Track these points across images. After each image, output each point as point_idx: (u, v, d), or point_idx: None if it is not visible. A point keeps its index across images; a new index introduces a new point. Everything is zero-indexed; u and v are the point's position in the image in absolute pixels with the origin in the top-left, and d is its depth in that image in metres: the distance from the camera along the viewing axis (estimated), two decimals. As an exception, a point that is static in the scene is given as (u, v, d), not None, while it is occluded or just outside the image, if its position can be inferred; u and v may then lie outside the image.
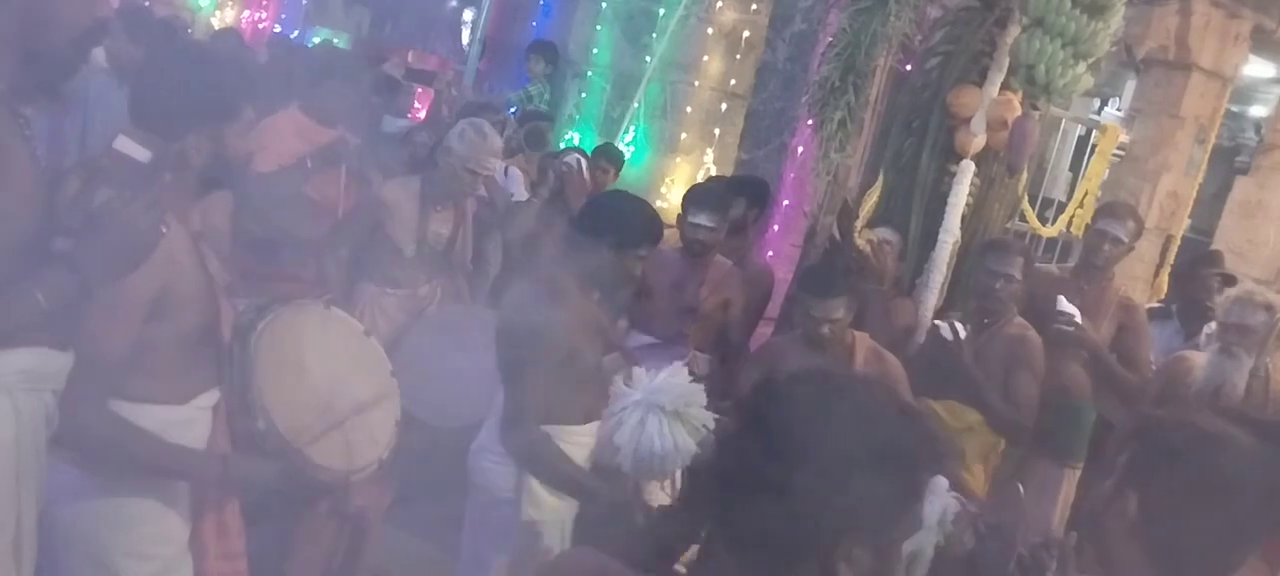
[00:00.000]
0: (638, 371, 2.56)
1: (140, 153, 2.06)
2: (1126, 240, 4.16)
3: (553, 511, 2.89)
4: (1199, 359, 3.75)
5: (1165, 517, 1.54)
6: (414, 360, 3.56)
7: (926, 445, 1.29)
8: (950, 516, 2.29)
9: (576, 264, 2.89)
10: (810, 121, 4.87)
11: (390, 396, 2.64)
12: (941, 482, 2.21)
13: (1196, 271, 5.02)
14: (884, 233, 4.24)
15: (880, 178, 4.41)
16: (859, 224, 4.18)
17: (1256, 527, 1.53)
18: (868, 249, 4.10)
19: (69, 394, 1.94)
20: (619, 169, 5.29)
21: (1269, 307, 3.57)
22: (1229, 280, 4.52)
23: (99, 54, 4.53)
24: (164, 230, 1.89)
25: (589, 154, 5.44)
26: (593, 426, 2.94)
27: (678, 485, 2.82)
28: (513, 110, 7.46)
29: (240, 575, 2.39)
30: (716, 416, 2.46)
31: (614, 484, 2.72)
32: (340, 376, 2.50)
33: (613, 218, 2.89)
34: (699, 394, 2.48)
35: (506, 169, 5.54)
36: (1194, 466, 1.53)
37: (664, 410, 2.43)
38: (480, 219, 4.71)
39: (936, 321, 3.88)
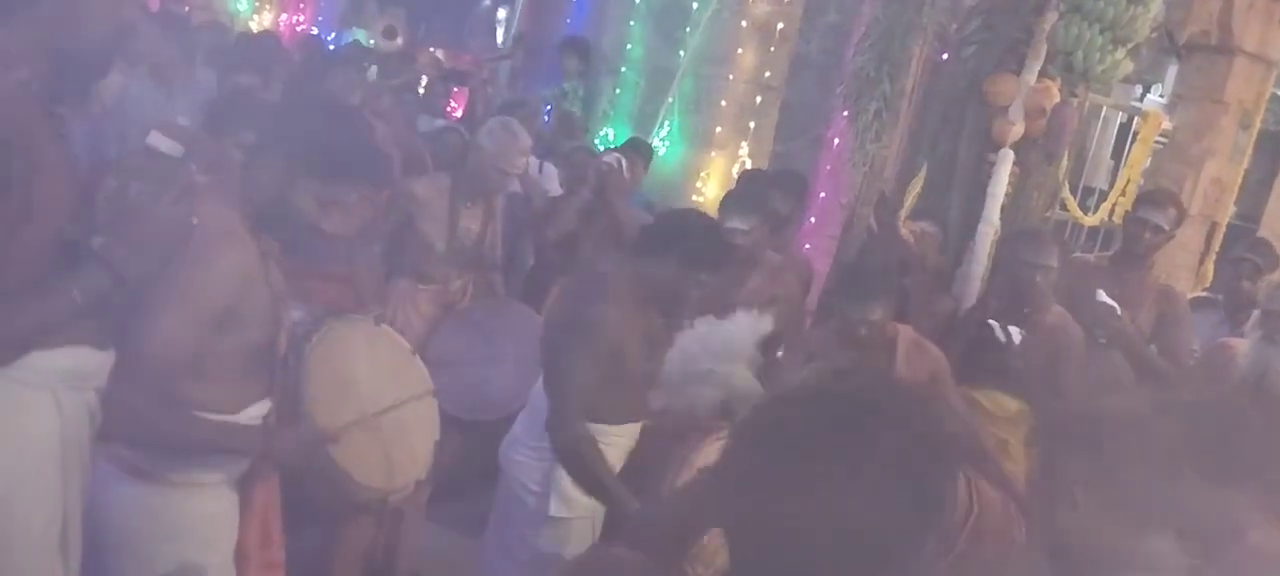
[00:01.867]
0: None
1: (173, 148, 2.09)
2: (1167, 227, 4.08)
3: (582, 510, 2.89)
4: (1241, 346, 3.68)
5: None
6: (446, 355, 3.59)
7: (942, 457, 1.16)
8: None
9: (636, 271, 2.87)
10: (846, 113, 4.85)
11: (431, 414, 2.68)
12: None
13: (1234, 258, 4.92)
14: (924, 225, 4.21)
15: (922, 168, 4.37)
16: (903, 213, 4.15)
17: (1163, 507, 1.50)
18: (911, 239, 4.07)
19: (121, 387, 1.95)
20: (648, 164, 5.25)
21: None
22: (1260, 268, 4.42)
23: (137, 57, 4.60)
24: (195, 221, 1.92)
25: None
26: (630, 427, 2.95)
27: None
28: (548, 107, 7.49)
29: None
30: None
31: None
32: (385, 392, 2.53)
33: (682, 238, 2.84)
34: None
35: (542, 165, 5.56)
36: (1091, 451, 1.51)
37: None
38: (515, 215, 4.73)
39: (991, 321, 3.83)
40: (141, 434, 2.07)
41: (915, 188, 4.33)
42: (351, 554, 3.67)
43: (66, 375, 1.86)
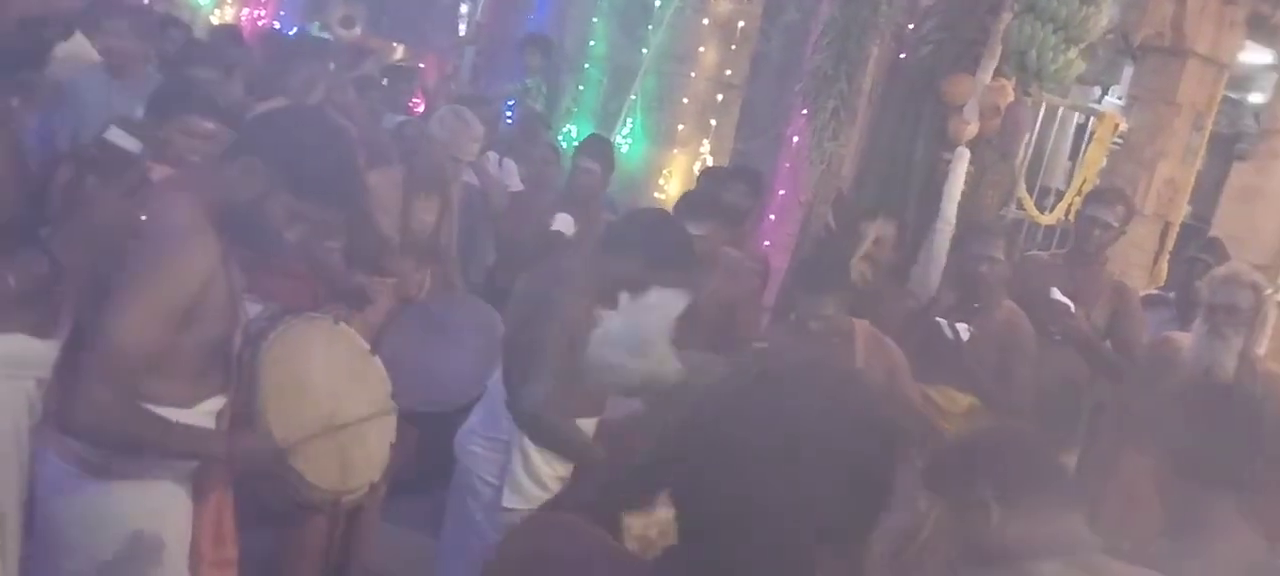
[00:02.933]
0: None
1: (130, 143, 2.07)
2: (1116, 225, 4.14)
3: (536, 501, 2.91)
4: (1184, 339, 3.75)
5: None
6: (402, 347, 3.57)
7: (889, 446, 1.18)
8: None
9: (598, 269, 2.87)
10: (804, 111, 4.88)
11: (388, 416, 2.66)
12: None
13: (1187, 257, 5.01)
14: (881, 225, 4.21)
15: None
16: (856, 257, 4.13)
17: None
18: (864, 274, 4.07)
19: (83, 382, 1.93)
20: (608, 166, 5.20)
21: (1255, 287, 3.56)
22: (1212, 266, 4.49)
23: (82, 46, 4.55)
24: (142, 218, 1.90)
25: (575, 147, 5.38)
26: (587, 423, 2.97)
27: None
28: (511, 103, 7.48)
29: None
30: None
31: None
32: (342, 393, 2.50)
33: (649, 237, 2.85)
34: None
35: (501, 160, 5.55)
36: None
37: None
38: (473, 208, 4.72)
39: (939, 320, 3.87)
40: (108, 434, 2.03)
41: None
42: (306, 552, 3.65)
43: (3, 362, 1.84)
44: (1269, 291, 3.60)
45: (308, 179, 2.07)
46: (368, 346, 2.77)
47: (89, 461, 2.10)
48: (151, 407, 2.08)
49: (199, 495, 2.27)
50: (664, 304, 2.35)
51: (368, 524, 3.75)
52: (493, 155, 5.38)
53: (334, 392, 2.49)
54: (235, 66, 4.81)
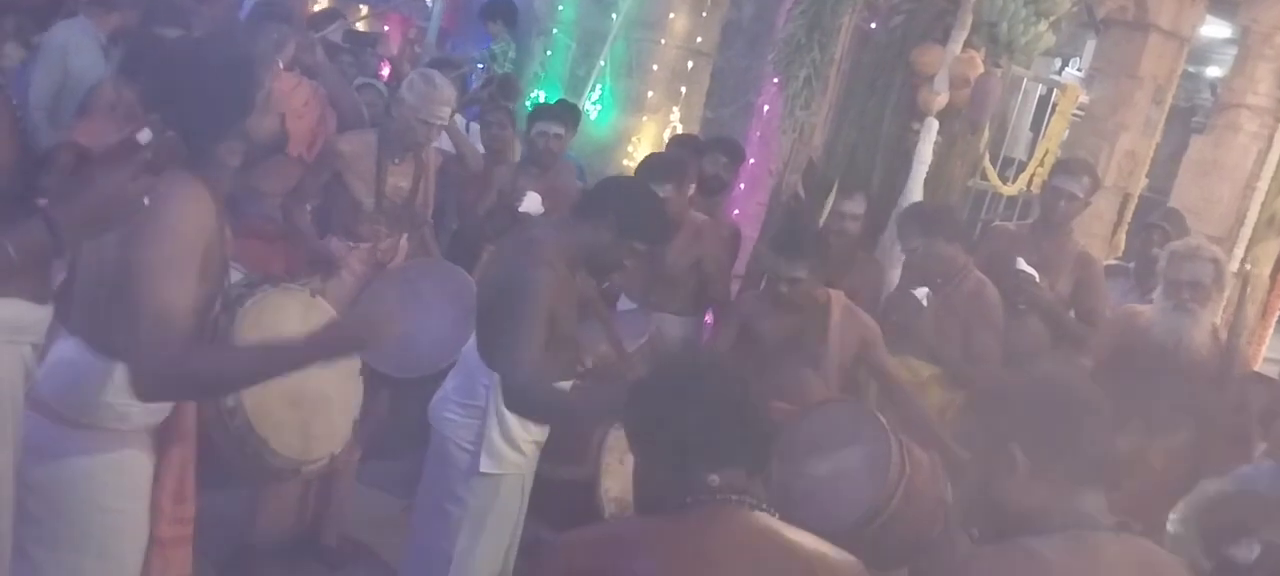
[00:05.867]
0: None
1: (144, 136, 2.07)
2: (1082, 196, 4.20)
3: (512, 466, 2.95)
4: (1148, 311, 3.83)
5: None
6: (376, 313, 3.56)
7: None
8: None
9: (571, 234, 2.90)
10: (776, 80, 4.90)
11: (355, 391, 2.69)
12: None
13: (1146, 225, 5.09)
14: (855, 201, 4.24)
15: None
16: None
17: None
18: (848, 228, 4.14)
19: (145, 353, 1.94)
20: (573, 129, 5.16)
21: (1215, 260, 3.65)
22: (1170, 235, 4.58)
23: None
24: (145, 202, 1.89)
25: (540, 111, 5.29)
26: (565, 383, 3.00)
27: None
28: (481, 67, 7.42)
29: (186, 539, 2.41)
30: None
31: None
32: (312, 367, 2.53)
33: (621, 204, 2.87)
34: None
35: (468, 126, 5.52)
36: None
37: None
38: (449, 173, 4.69)
39: (906, 290, 3.93)
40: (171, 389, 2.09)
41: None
42: (279, 514, 3.66)
43: (1, 326, 1.83)
44: (1228, 264, 3.68)
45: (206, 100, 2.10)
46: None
47: (56, 411, 2.11)
48: (121, 364, 2.08)
49: (163, 452, 2.28)
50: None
51: (342, 488, 3.76)
52: (460, 119, 5.35)
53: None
54: (196, 24, 4.73)
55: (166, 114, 2.07)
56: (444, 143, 4.65)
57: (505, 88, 6.10)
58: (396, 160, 3.98)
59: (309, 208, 4.01)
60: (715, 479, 1.61)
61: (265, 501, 3.61)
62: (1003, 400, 1.72)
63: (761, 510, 1.63)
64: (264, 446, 2.37)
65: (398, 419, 3.72)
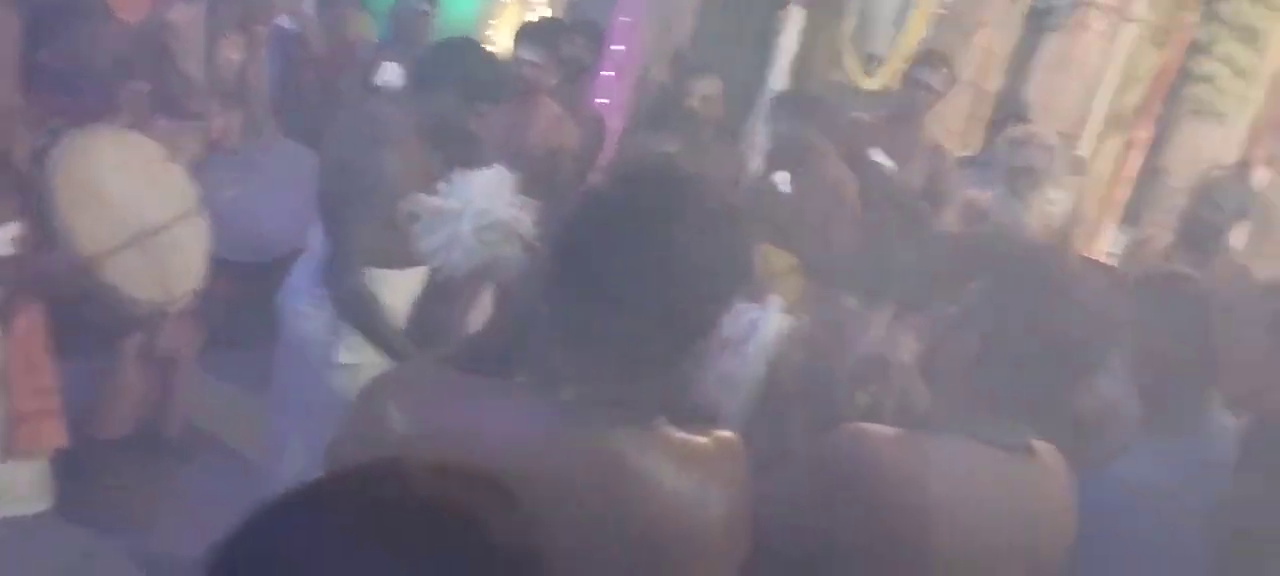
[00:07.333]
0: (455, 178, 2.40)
1: None
2: (940, 88, 4.30)
3: (372, 355, 2.79)
4: (985, 198, 3.95)
5: (1005, 357, 1.52)
6: (213, 196, 3.39)
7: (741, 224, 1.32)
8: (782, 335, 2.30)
9: (413, 105, 2.78)
10: (643, -36, 4.80)
11: (199, 219, 2.60)
12: (775, 300, 2.17)
13: (1000, 119, 5.23)
14: (709, 81, 4.22)
15: None
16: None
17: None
18: (698, 107, 4.10)
19: None
20: (436, 5, 4.97)
21: (1048, 148, 3.78)
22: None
23: None
24: None
25: None
26: (415, 271, 2.89)
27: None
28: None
29: (54, 410, 2.32)
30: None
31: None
32: (144, 199, 2.46)
33: (458, 67, 2.77)
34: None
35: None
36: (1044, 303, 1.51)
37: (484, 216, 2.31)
38: (289, 53, 4.47)
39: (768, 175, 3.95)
40: None
41: None
42: (120, 397, 3.49)
43: None
44: (1063, 150, 3.80)
45: None
46: (165, 151, 2.67)
47: None
48: None
49: (5, 324, 2.22)
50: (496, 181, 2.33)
51: (184, 374, 3.60)
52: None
53: (135, 198, 2.47)
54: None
55: None
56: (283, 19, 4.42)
57: None
58: (227, 32, 3.77)
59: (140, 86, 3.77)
60: None
61: (106, 386, 3.44)
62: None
63: None
64: (118, 294, 2.36)
65: (246, 306, 3.57)
